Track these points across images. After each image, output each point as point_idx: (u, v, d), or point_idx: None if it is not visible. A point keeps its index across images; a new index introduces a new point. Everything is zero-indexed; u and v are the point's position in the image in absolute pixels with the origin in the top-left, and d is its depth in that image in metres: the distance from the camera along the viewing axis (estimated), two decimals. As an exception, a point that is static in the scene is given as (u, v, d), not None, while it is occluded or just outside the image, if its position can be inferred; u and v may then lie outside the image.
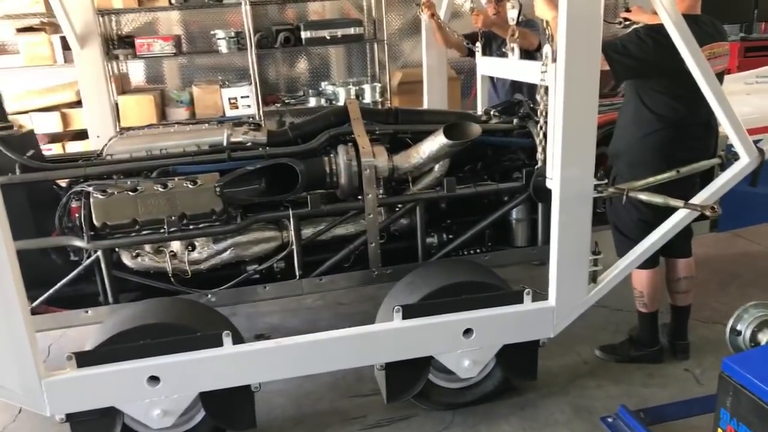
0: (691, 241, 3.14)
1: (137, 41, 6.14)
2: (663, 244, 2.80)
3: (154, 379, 2.34)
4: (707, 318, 3.56)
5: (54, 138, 6.03)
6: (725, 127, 2.66)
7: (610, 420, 2.73)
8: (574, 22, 2.29)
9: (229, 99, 6.33)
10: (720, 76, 2.82)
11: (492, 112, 3.52)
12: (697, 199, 2.71)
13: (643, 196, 2.60)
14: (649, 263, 2.92)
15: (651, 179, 2.74)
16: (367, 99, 6.42)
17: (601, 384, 3.03)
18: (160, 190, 2.80)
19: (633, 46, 2.72)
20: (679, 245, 3.04)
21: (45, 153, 3.33)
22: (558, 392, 2.98)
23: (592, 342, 3.34)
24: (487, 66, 3.85)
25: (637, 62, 2.74)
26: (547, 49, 2.59)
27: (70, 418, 2.34)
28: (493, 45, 4.33)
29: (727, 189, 2.76)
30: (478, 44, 3.86)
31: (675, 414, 2.72)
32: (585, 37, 2.33)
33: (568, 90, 2.37)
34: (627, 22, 3.50)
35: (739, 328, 2.20)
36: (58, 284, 2.86)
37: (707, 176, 2.98)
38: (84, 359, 2.30)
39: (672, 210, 2.71)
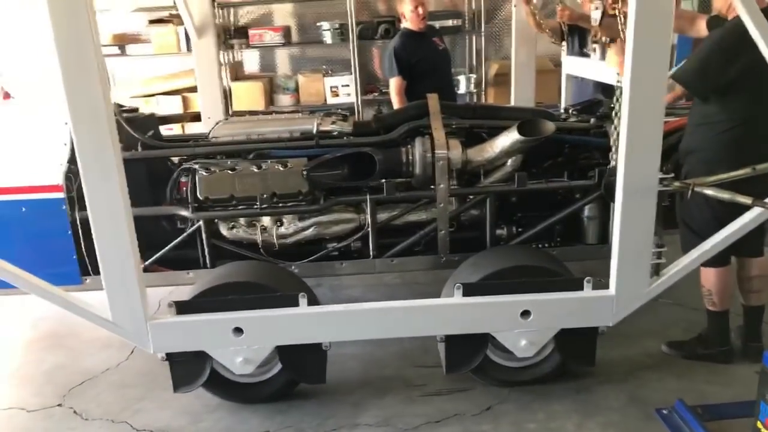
0: (763, 239, 3.05)
1: (250, 32, 6.59)
2: (732, 244, 2.75)
3: (238, 330, 2.66)
4: (792, 322, 3.42)
5: (176, 119, 6.67)
6: None
7: (665, 412, 2.75)
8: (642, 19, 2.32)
9: (331, 87, 6.65)
10: None
11: (571, 111, 3.58)
12: (771, 198, 2.65)
13: (710, 191, 2.58)
14: (717, 261, 2.88)
15: (723, 176, 2.70)
16: (462, 90, 6.49)
17: (663, 378, 3.03)
18: (255, 170, 3.16)
19: (708, 65, 2.71)
20: (749, 244, 2.96)
21: (167, 132, 3.80)
22: (617, 381, 3.02)
23: (661, 337, 3.32)
24: (570, 65, 3.90)
25: (718, 79, 2.75)
26: None
27: (170, 357, 2.74)
28: (577, 39, 4.32)
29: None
30: (564, 44, 3.91)
31: (735, 413, 2.68)
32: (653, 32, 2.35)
33: (634, 76, 2.36)
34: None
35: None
36: (167, 247, 3.29)
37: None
38: (182, 307, 2.68)
39: (747, 208, 2.67)
